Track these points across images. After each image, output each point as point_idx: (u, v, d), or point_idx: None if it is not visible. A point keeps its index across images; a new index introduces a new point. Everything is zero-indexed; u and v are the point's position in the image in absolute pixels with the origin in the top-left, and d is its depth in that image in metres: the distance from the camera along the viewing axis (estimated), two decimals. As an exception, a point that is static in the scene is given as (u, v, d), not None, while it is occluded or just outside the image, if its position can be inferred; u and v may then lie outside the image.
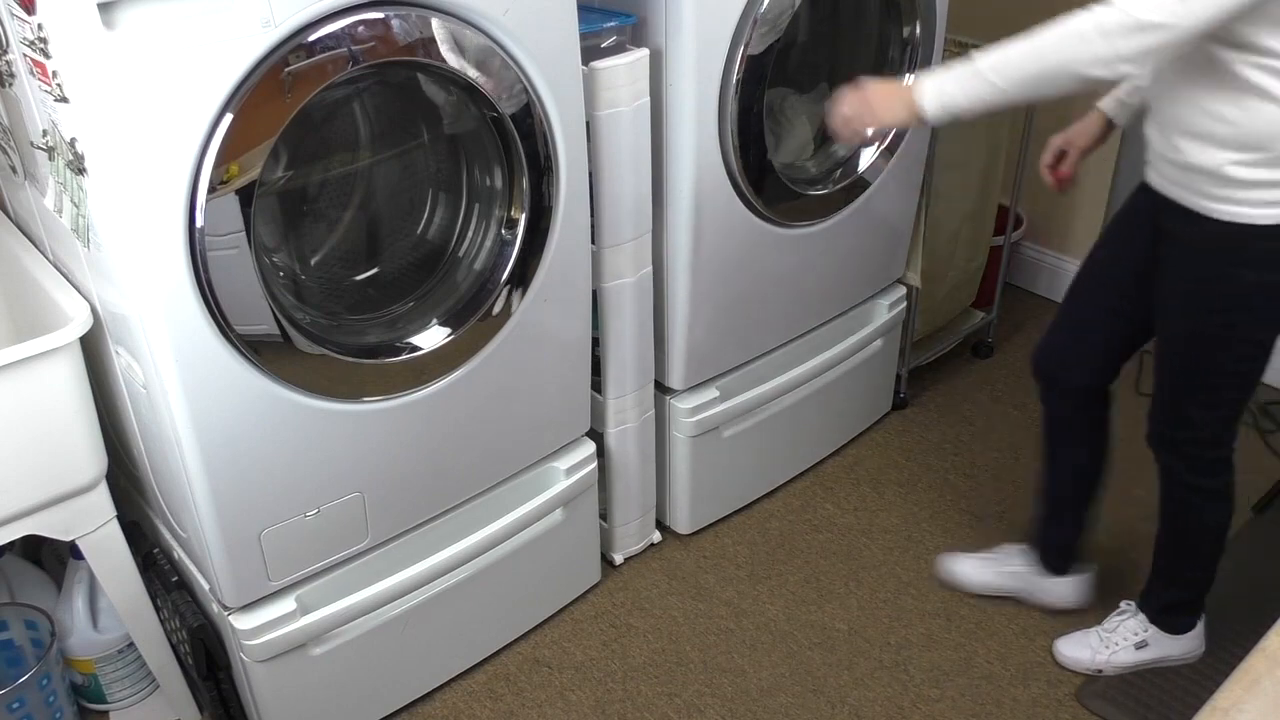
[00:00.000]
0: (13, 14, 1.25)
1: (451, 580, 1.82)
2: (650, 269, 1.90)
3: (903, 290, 2.40)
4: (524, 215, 1.65)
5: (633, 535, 2.18)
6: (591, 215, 1.75)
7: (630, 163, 1.76)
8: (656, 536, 2.20)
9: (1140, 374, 2.68)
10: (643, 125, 1.76)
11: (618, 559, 2.17)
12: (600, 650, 2.00)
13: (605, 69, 1.67)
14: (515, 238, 1.66)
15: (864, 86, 1.53)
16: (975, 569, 2.08)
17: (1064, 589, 2.03)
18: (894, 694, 1.90)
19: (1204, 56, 1.40)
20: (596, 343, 1.90)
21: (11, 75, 1.37)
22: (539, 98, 1.57)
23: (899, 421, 2.57)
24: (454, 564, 1.80)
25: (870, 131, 1.56)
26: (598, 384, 1.97)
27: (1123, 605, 1.93)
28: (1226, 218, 1.47)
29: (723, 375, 2.12)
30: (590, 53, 1.65)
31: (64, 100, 1.23)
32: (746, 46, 1.75)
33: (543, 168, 1.62)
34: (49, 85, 1.24)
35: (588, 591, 2.11)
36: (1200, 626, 1.89)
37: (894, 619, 2.05)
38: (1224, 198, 1.47)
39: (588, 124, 1.67)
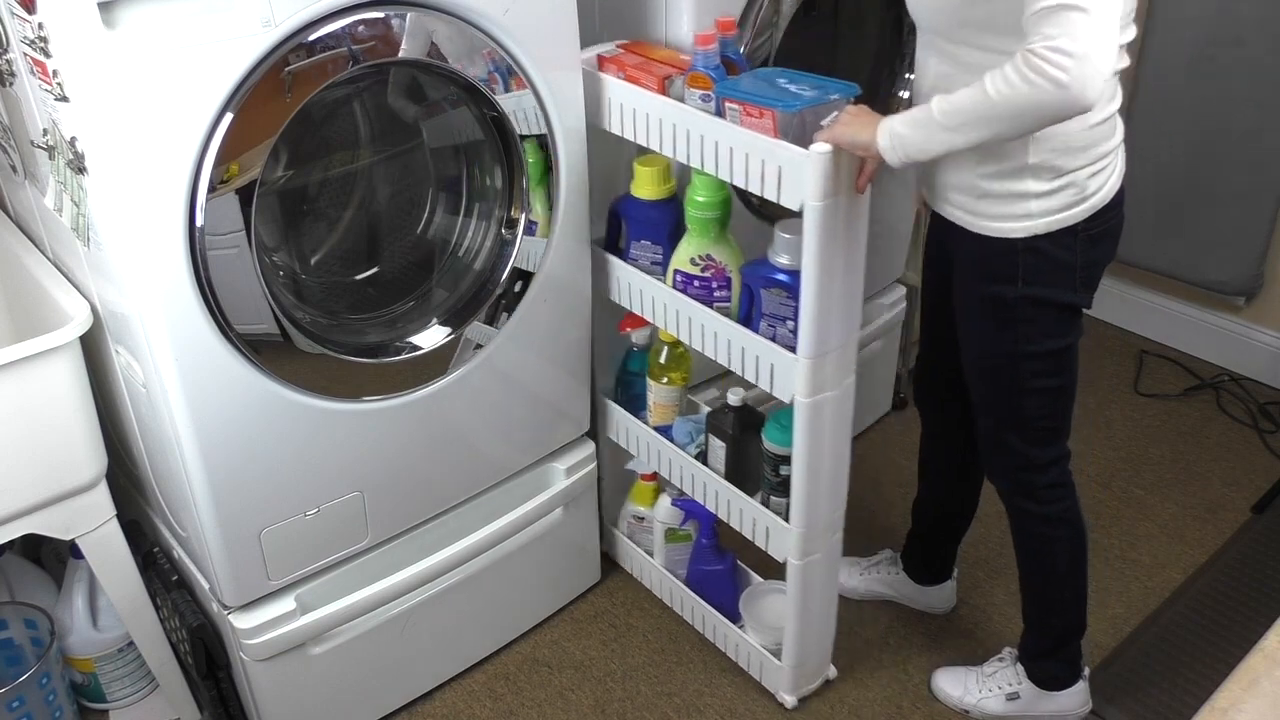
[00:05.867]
0: (13, 13, 1.25)
1: (451, 580, 1.82)
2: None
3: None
4: (524, 215, 1.65)
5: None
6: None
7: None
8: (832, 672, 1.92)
9: (1140, 373, 2.69)
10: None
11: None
12: (600, 650, 2.00)
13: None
14: (515, 238, 1.67)
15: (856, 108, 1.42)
16: (846, 576, 2.05)
17: (932, 597, 2.04)
18: (893, 693, 1.91)
19: (952, 61, 1.37)
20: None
21: (12, 74, 1.37)
22: (539, 97, 1.57)
23: (899, 421, 2.57)
24: (453, 563, 1.80)
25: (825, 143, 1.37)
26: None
27: (1004, 652, 1.84)
28: (990, 233, 1.46)
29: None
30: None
31: (64, 99, 1.23)
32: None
33: (543, 167, 1.62)
34: (49, 84, 1.24)
35: (587, 591, 2.11)
36: (1081, 685, 1.78)
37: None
38: (982, 213, 1.45)
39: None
